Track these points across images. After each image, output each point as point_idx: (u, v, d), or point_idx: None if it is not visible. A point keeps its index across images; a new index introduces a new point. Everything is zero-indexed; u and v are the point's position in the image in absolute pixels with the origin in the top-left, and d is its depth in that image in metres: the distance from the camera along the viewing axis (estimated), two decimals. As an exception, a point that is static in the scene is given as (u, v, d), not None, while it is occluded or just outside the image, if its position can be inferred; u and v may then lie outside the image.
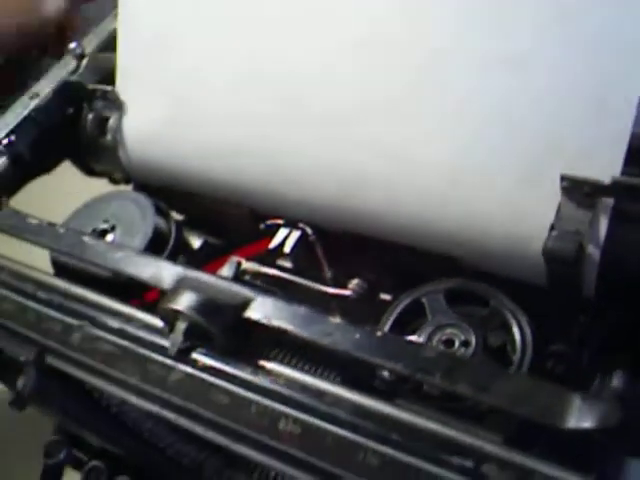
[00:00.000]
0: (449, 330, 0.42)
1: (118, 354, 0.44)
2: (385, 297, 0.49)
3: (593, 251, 0.40)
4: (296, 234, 0.51)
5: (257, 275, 0.46)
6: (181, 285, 0.44)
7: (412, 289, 0.45)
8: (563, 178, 0.40)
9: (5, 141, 0.57)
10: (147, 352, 0.43)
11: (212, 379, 0.41)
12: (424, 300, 0.44)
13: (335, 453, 0.36)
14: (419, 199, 0.45)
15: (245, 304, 0.42)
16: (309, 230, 0.50)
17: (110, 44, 0.61)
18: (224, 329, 0.41)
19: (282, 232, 0.51)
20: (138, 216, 0.55)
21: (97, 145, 0.59)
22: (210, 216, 0.57)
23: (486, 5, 0.43)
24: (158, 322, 0.45)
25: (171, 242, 0.55)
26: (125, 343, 0.44)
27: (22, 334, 0.49)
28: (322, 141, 0.48)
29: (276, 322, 0.41)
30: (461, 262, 0.45)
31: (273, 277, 0.45)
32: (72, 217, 0.57)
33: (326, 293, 0.44)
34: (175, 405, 0.42)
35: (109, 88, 0.57)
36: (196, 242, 0.59)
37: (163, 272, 0.45)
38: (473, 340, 0.41)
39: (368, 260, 0.48)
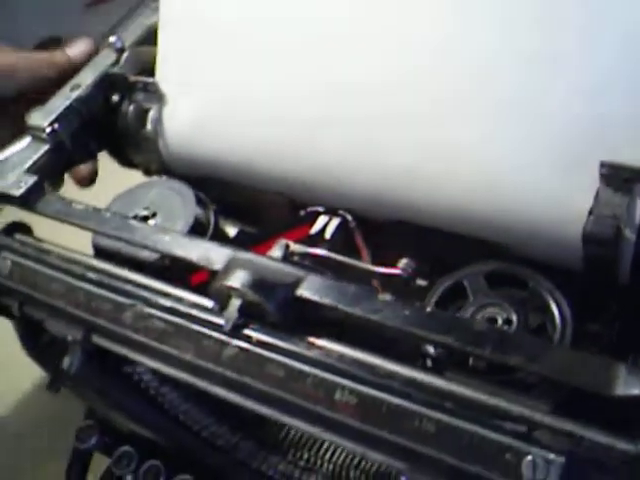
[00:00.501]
0: (490, 309, 0.44)
1: (171, 331, 0.46)
2: (421, 283, 0.51)
3: (630, 235, 0.42)
4: (336, 221, 0.53)
5: (304, 256, 0.47)
6: (233, 265, 0.45)
7: (452, 272, 0.47)
8: (603, 164, 0.42)
9: (48, 129, 0.58)
10: (201, 328, 0.45)
11: (267, 353, 0.42)
12: (465, 282, 0.46)
13: (391, 421, 0.38)
14: (461, 187, 0.47)
15: (297, 282, 0.44)
16: (349, 217, 0.52)
17: (147, 37, 0.63)
18: (278, 306, 0.43)
19: (322, 219, 0.53)
20: (179, 204, 0.57)
21: (137, 136, 0.61)
22: (246, 205, 0.59)
23: (528, 7, 0.45)
24: (208, 302, 0.47)
25: (210, 230, 0.57)
26: (178, 320, 0.46)
27: (69, 314, 0.51)
28: (367, 137, 0.50)
29: (327, 300, 0.43)
30: (498, 247, 0.47)
31: (320, 258, 0.47)
32: (111, 204, 0.59)
33: (375, 273, 0.45)
34: (229, 379, 0.43)
35: (150, 80, 0.59)
36: (231, 231, 0.61)
37: (213, 253, 0.47)
38: (514, 319, 0.44)
39: (406, 246, 0.50)
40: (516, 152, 0.45)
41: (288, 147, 0.53)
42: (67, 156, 0.60)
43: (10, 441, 0.84)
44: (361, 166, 0.51)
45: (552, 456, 0.35)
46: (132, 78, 0.60)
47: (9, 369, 0.80)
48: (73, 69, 0.62)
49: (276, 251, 0.47)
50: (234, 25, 0.55)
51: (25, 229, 0.58)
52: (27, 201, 0.55)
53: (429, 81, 0.49)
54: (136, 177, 0.66)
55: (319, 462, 0.55)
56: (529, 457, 0.35)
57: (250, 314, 0.44)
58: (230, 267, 0.45)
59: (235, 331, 0.43)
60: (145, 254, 0.54)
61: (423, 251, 0.51)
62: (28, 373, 0.79)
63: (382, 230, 0.52)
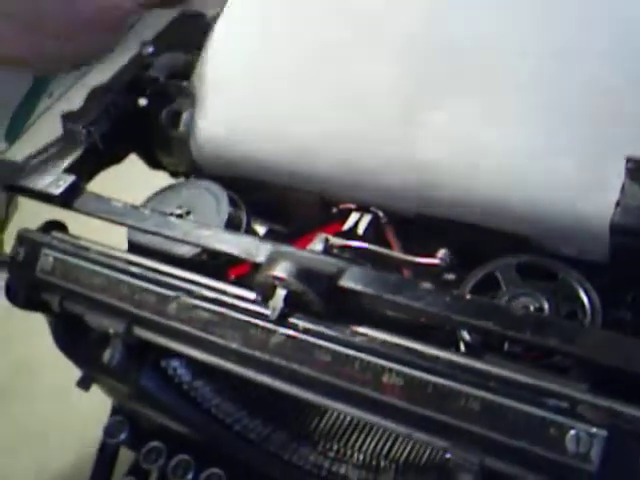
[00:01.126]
0: (523, 299, 0.47)
1: (216, 321, 0.48)
2: (449, 276, 0.53)
3: None
4: (368, 217, 0.55)
5: (343, 250, 0.49)
6: (276, 257, 0.47)
7: (483, 264, 0.49)
8: (629, 159, 0.45)
9: (84, 132, 0.60)
10: (247, 318, 0.47)
11: (314, 340, 0.44)
12: (497, 273, 0.48)
13: (437, 401, 0.40)
14: (488, 182, 0.50)
15: (339, 273, 0.46)
16: (381, 213, 0.54)
17: (176, 45, 0.66)
18: (322, 295, 0.45)
19: (354, 216, 0.55)
20: (212, 203, 0.59)
21: (168, 137, 0.63)
22: (276, 204, 0.61)
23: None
24: (249, 293, 0.49)
25: (242, 229, 0.59)
26: (223, 310, 0.48)
27: (112, 307, 0.52)
28: (397, 135, 0.53)
29: (370, 289, 0.45)
30: (526, 241, 0.50)
31: (357, 252, 0.49)
32: (145, 203, 0.61)
33: (413, 263, 0.47)
34: (277, 366, 0.45)
35: (184, 83, 0.61)
36: (261, 230, 0.63)
37: (255, 247, 0.49)
38: (546, 307, 0.46)
39: (436, 241, 0.52)
40: (542, 147, 0.48)
41: (321, 146, 0.55)
42: (100, 157, 0.62)
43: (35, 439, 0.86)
44: (391, 163, 0.53)
45: (594, 430, 0.37)
46: (165, 81, 0.62)
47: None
48: None
49: (317, 245, 0.49)
50: (272, 28, 0.58)
51: (61, 227, 0.60)
52: (66, 200, 0.57)
53: (453, 76, 0.51)
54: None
55: (349, 452, 0.57)
56: (572, 431, 0.37)
57: (294, 304, 0.46)
58: (273, 259, 0.47)
59: (281, 320, 0.45)
60: (183, 250, 0.55)
61: (450, 245, 0.53)
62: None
63: (411, 225, 0.54)
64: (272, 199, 0.61)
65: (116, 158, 0.64)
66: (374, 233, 0.55)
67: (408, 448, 0.55)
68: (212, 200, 0.59)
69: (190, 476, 0.62)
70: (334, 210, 0.56)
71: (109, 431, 0.67)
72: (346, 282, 0.45)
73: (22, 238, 0.57)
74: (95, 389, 0.85)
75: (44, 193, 0.57)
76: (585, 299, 0.46)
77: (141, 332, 0.53)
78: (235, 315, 0.47)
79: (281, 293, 0.46)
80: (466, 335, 0.46)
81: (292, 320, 0.46)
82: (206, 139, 0.61)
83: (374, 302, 0.45)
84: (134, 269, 0.52)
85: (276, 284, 0.46)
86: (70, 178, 0.57)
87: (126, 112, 0.63)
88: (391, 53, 0.55)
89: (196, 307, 0.48)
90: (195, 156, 0.62)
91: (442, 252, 0.46)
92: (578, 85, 0.47)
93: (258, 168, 0.59)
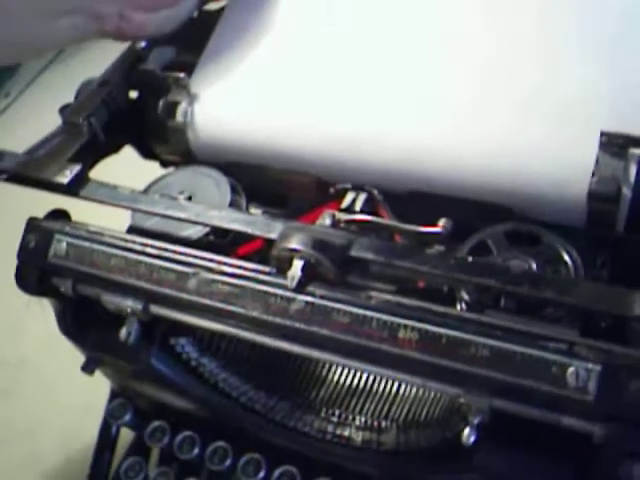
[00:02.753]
0: (513, 262, 0.52)
1: (237, 293, 0.51)
2: (439, 248, 0.58)
3: (627, 192, 0.51)
4: (363, 195, 0.59)
5: (349, 224, 0.54)
6: (289, 232, 0.51)
7: (475, 233, 0.54)
8: (602, 133, 0.51)
9: (85, 123, 0.62)
10: (266, 288, 0.50)
11: (332, 304, 0.49)
12: (489, 240, 0.53)
13: (451, 351, 0.45)
14: (478, 159, 0.55)
15: (350, 244, 0.50)
16: (375, 191, 0.59)
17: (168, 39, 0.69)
18: (336, 264, 0.49)
19: (350, 195, 0.60)
20: (213, 188, 0.62)
21: (164, 127, 0.65)
22: (270, 188, 0.65)
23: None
24: (264, 267, 0.53)
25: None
26: (242, 282, 0.51)
27: (129, 286, 0.55)
28: (389, 114, 0.58)
29: (380, 257, 0.49)
30: (510, 211, 0.55)
31: (363, 225, 0.53)
32: (146, 190, 0.63)
33: (417, 233, 0.52)
34: (297, 330, 0.49)
35: (181, 75, 0.64)
36: (258, 212, 0.66)
37: (268, 225, 0.53)
38: (534, 267, 0.51)
39: (428, 215, 0.57)
40: (524, 121, 0.53)
41: (316, 127, 0.59)
42: (100, 148, 0.64)
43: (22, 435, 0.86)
44: (384, 141, 0.58)
45: (590, 366, 0.43)
46: (162, 74, 0.65)
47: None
48: None
49: (325, 220, 0.53)
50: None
51: (65, 215, 0.62)
52: (73, 188, 0.59)
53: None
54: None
55: (350, 416, 0.61)
56: (571, 369, 0.43)
57: (310, 274, 0.50)
58: (287, 234, 0.51)
59: (300, 287, 0.49)
60: (189, 231, 0.59)
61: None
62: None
63: (403, 202, 0.59)
64: (267, 183, 0.65)
65: (114, 148, 0.67)
66: (370, 210, 0.59)
67: (406, 408, 0.60)
68: (212, 185, 0.63)
69: (197, 451, 0.65)
70: (331, 190, 0.60)
71: (113, 413, 0.69)
72: (357, 252, 0.50)
73: (32, 226, 0.59)
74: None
75: (51, 182, 0.59)
76: (568, 259, 0.51)
77: (158, 309, 0.55)
78: (254, 286, 0.51)
79: (298, 264, 0.49)
80: (465, 295, 0.51)
81: (310, 288, 0.50)
82: (204, 127, 0.64)
83: (385, 268, 0.49)
84: (150, 250, 0.55)
85: (293, 256, 0.50)
86: (76, 167, 0.59)
87: (123, 103, 0.66)
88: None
89: (215, 282, 0.52)
90: (192, 145, 0.65)
91: (443, 221, 0.51)
92: (561, 60, 0.53)
93: (254, 152, 0.63)
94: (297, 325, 0.49)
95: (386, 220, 0.54)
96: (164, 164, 0.72)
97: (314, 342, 0.49)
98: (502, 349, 0.44)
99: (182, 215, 0.56)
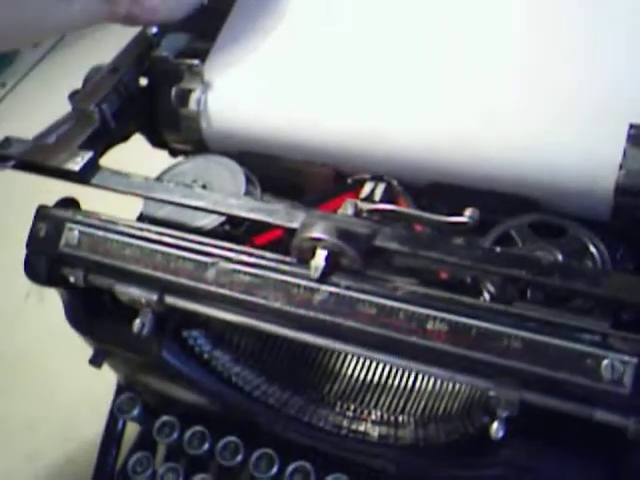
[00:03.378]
0: (539, 253, 0.51)
1: (258, 283, 0.50)
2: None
3: None
4: (382, 185, 0.58)
5: (371, 213, 0.52)
6: (311, 222, 0.50)
7: (499, 224, 0.53)
8: (631, 126, 0.50)
9: (96, 110, 0.61)
10: (288, 278, 0.49)
11: (357, 295, 0.47)
12: (513, 231, 0.53)
13: (482, 343, 0.44)
14: (501, 150, 0.54)
15: (374, 233, 0.49)
16: (394, 182, 0.58)
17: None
18: (361, 254, 0.48)
19: (369, 185, 0.59)
20: (228, 177, 0.61)
21: (177, 115, 0.64)
22: (286, 178, 0.63)
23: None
24: (283, 257, 0.52)
25: (258, 202, 0.61)
26: (264, 273, 0.50)
27: (145, 276, 0.54)
28: (409, 104, 0.57)
29: (405, 247, 0.48)
30: (537, 203, 0.54)
31: (387, 214, 0.52)
32: (158, 178, 0.62)
33: (443, 222, 0.51)
34: (322, 322, 0.48)
35: (195, 62, 0.62)
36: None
37: (289, 214, 0.52)
38: (560, 259, 0.51)
39: (450, 207, 0.56)
40: (552, 117, 0.52)
41: (334, 119, 0.58)
42: (110, 136, 0.63)
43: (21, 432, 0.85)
44: (404, 131, 0.57)
45: (626, 358, 0.42)
46: (175, 60, 0.63)
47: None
48: None
49: (348, 209, 0.52)
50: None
51: (75, 204, 0.60)
52: (85, 176, 0.57)
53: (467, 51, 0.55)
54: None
55: (366, 411, 0.60)
56: (606, 361, 0.42)
57: (334, 264, 0.49)
58: (309, 223, 0.50)
59: (324, 278, 0.48)
60: (204, 221, 0.57)
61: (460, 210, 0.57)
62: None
63: (423, 193, 0.58)
64: (282, 173, 0.63)
65: (124, 136, 0.65)
66: (388, 201, 0.58)
67: (423, 402, 0.59)
68: (227, 174, 0.61)
69: (207, 446, 0.64)
70: (349, 181, 0.59)
71: (121, 407, 0.67)
72: (382, 241, 0.49)
73: (42, 214, 0.57)
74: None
75: (62, 169, 0.57)
76: (595, 251, 0.51)
77: (174, 300, 0.54)
78: (276, 276, 0.50)
79: (322, 253, 0.48)
80: (490, 286, 0.50)
81: (334, 278, 0.48)
82: (218, 116, 0.63)
83: (410, 259, 0.48)
84: (167, 239, 0.53)
85: (316, 245, 0.49)
86: (87, 154, 0.58)
87: (133, 91, 0.64)
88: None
89: (235, 272, 0.50)
90: (205, 133, 0.64)
91: (470, 211, 0.50)
92: (589, 61, 0.52)
93: (271, 144, 0.61)
94: (321, 316, 0.48)
95: (411, 210, 0.53)
96: (173, 153, 0.70)
97: (338, 334, 0.48)
98: (535, 341, 0.43)
99: (199, 204, 0.54)
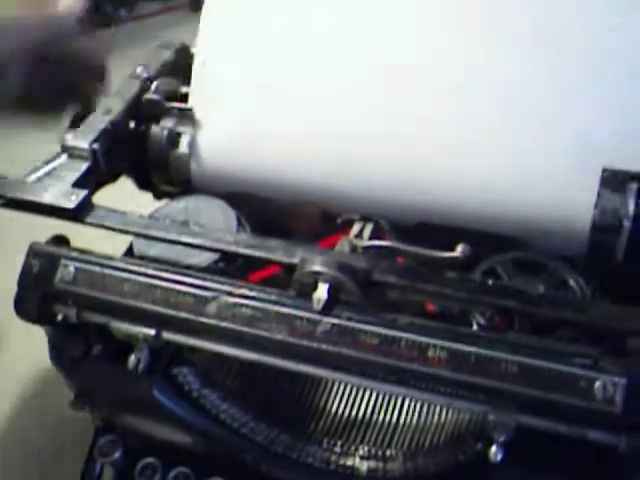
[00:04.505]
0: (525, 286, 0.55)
1: (260, 316, 0.51)
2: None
3: (627, 224, 0.54)
4: (370, 225, 0.61)
5: (366, 249, 0.55)
6: (311, 257, 0.52)
7: (484, 260, 0.57)
8: (604, 170, 0.55)
9: (89, 148, 0.62)
10: (290, 310, 0.51)
11: (360, 325, 0.49)
12: (498, 267, 0.56)
13: (480, 368, 0.47)
14: (482, 194, 0.58)
15: (373, 267, 0.52)
16: (383, 221, 0.61)
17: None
18: (362, 287, 0.50)
19: (357, 225, 0.61)
20: (219, 218, 0.62)
21: (167, 157, 0.66)
22: (273, 218, 0.65)
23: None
24: (284, 291, 0.53)
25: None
26: (266, 306, 0.51)
27: (143, 311, 0.54)
28: (395, 149, 0.60)
29: (403, 280, 0.51)
30: (516, 241, 0.58)
31: (383, 249, 0.55)
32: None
33: (436, 258, 0.54)
34: (324, 352, 0.50)
35: (187, 106, 0.65)
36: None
37: (287, 250, 0.53)
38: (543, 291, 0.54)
39: (433, 244, 0.59)
40: (537, 165, 0.57)
41: (323, 159, 0.61)
42: (101, 175, 0.64)
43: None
44: (392, 174, 0.60)
45: (617, 379, 0.45)
46: (167, 104, 0.65)
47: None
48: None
49: (343, 246, 0.54)
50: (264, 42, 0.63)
51: (64, 241, 0.60)
52: (79, 214, 0.58)
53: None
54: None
55: (354, 446, 0.61)
56: (598, 382, 0.45)
57: (334, 297, 0.51)
58: (309, 259, 0.52)
59: (326, 310, 0.50)
60: (198, 259, 0.58)
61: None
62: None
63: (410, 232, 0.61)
64: (270, 213, 0.65)
65: (112, 177, 0.66)
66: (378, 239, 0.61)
67: (409, 436, 0.60)
68: (218, 214, 0.63)
69: (191, 487, 0.64)
70: (338, 221, 0.61)
71: (102, 451, 0.66)
72: (380, 275, 0.51)
73: (35, 251, 0.57)
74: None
75: (56, 207, 0.58)
76: (574, 284, 0.54)
77: (172, 336, 0.55)
78: (278, 309, 0.51)
79: (323, 286, 0.50)
80: (479, 317, 0.53)
81: (336, 310, 0.50)
82: (207, 157, 0.65)
83: (407, 291, 0.51)
84: (166, 274, 0.54)
85: (317, 279, 0.51)
86: (82, 192, 0.58)
87: (123, 132, 0.66)
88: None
89: (238, 305, 0.52)
90: (194, 174, 0.65)
91: (461, 246, 0.53)
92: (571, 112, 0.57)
93: (259, 183, 0.64)
94: (324, 347, 0.49)
95: (406, 246, 0.55)
96: (158, 196, 0.71)
97: (340, 364, 0.50)
98: (531, 365, 0.46)
99: (198, 241, 0.56)
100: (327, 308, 0.50)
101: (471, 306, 0.51)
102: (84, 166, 0.62)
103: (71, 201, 0.58)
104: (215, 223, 0.62)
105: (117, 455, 0.66)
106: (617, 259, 0.56)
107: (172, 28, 1.43)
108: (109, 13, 1.51)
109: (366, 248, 0.55)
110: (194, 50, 0.68)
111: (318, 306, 0.50)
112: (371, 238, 0.60)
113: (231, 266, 0.58)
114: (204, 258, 0.59)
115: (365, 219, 0.61)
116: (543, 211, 0.57)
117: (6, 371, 0.89)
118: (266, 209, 0.65)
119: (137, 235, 0.57)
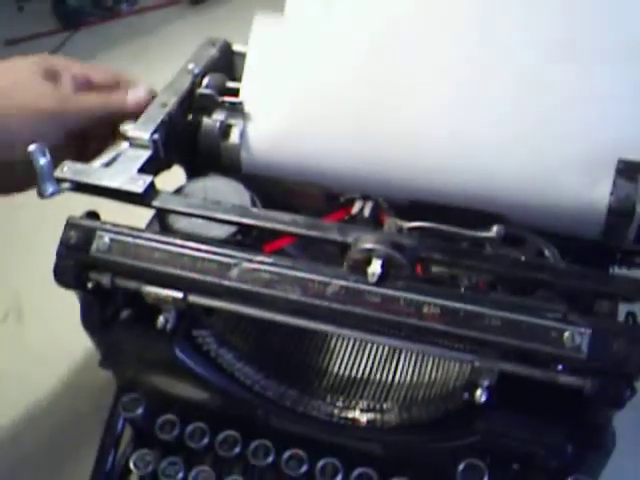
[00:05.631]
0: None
1: (277, 279, 0.58)
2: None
3: (639, 208, 0.62)
4: (370, 204, 0.68)
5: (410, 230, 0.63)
6: (367, 236, 0.58)
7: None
8: (620, 161, 0.62)
9: (151, 138, 0.68)
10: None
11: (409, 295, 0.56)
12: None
13: (467, 322, 0.55)
14: (476, 173, 0.65)
15: (420, 245, 0.58)
16: (381, 200, 0.68)
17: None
18: (410, 262, 0.57)
19: (358, 203, 0.69)
20: (235, 198, 0.69)
21: (219, 148, 0.73)
22: (284, 198, 0.72)
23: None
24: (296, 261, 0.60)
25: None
26: (281, 270, 0.59)
27: (172, 277, 0.61)
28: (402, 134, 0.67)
29: (446, 257, 0.58)
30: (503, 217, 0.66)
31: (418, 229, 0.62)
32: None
33: (472, 237, 0.61)
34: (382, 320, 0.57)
35: (237, 100, 0.72)
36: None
37: (341, 230, 0.60)
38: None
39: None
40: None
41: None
42: (160, 164, 0.70)
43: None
44: (392, 163, 0.67)
45: (583, 329, 0.53)
46: (219, 98, 0.72)
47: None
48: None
49: (390, 227, 0.63)
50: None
51: (96, 216, 0.67)
52: (146, 198, 0.63)
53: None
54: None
55: (354, 401, 0.68)
56: (567, 332, 0.53)
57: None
58: (363, 237, 0.58)
59: (380, 282, 0.57)
60: (217, 232, 0.65)
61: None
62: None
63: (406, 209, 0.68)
64: (278, 193, 0.72)
65: (167, 166, 0.72)
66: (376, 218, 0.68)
67: (403, 391, 0.68)
68: (234, 194, 0.69)
69: (206, 440, 0.70)
70: (341, 199, 0.69)
71: (126, 407, 0.73)
72: (427, 252, 0.58)
73: (72, 224, 0.64)
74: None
75: (125, 191, 0.63)
76: (549, 254, 0.62)
77: (197, 298, 0.62)
78: (293, 273, 0.58)
79: (377, 262, 0.56)
80: (466, 281, 0.61)
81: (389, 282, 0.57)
82: (257, 148, 0.71)
83: (450, 266, 0.59)
84: (192, 244, 0.61)
85: (371, 255, 0.57)
86: (148, 178, 0.64)
87: (179, 124, 0.71)
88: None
89: (258, 270, 0.59)
90: (246, 163, 0.72)
91: (496, 227, 0.60)
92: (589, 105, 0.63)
93: (304, 172, 0.70)
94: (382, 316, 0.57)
95: (444, 226, 0.62)
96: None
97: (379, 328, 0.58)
98: (511, 319, 0.54)
99: (252, 222, 0.62)
100: (381, 280, 0.56)
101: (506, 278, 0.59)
102: (145, 155, 0.67)
103: (139, 186, 0.63)
104: (231, 200, 0.69)
105: (140, 411, 0.72)
106: (629, 240, 0.63)
107: (173, 22, 1.47)
108: (110, 7, 1.55)
109: (410, 229, 0.62)
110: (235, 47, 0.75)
111: (373, 279, 0.56)
112: (371, 215, 0.68)
113: (248, 238, 0.66)
114: (223, 231, 0.65)
115: (364, 198, 0.69)
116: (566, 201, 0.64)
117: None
118: (274, 189, 0.72)
119: (199, 217, 0.63)
